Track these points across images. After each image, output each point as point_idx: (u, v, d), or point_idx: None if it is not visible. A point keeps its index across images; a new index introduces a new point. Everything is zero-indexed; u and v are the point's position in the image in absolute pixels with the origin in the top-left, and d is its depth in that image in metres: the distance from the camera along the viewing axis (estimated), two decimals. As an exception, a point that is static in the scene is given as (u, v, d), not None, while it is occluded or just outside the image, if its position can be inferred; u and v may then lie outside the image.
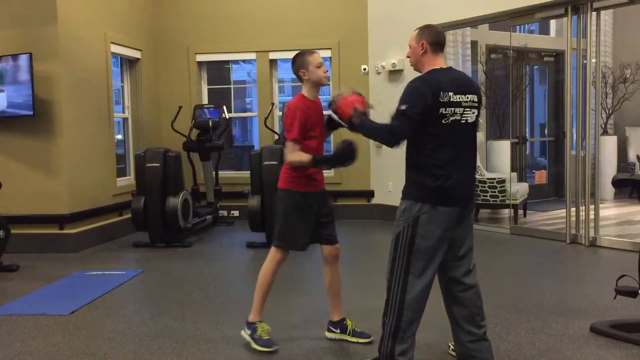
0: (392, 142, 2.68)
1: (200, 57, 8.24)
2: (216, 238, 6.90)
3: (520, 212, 7.45)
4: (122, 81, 7.69)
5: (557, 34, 9.35)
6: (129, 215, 6.51)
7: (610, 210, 7.81)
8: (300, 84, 3.35)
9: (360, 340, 3.38)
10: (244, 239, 6.49)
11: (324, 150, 3.44)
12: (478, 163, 7.51)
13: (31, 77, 5.83)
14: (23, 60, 5.85)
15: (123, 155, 7.75)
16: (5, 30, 6.03)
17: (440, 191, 2.65)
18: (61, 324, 3.88)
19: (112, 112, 6.98)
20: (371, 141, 7.83)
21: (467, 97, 2.69)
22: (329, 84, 3.35)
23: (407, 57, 2.87)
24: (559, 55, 8.86)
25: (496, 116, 8.23)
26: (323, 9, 7.93)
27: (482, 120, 8.51)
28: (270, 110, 7.88)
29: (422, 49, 2.75)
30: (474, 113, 2.74)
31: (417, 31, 2.81)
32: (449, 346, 3.20)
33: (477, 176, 7.20)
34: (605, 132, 8.62)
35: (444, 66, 2.77)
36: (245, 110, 10.42)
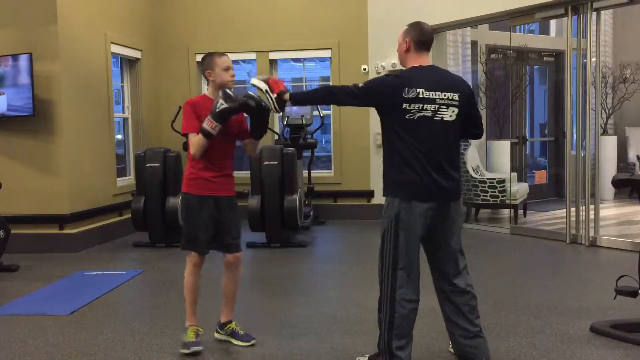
0: (332, 99, 2.87)
1: (200, 57, 8.21)
2: (216, 238, 6.89)
3: (520, 212, 7.45)
4: (122, 81, 7.69)
5: (557, 34, 9.35)
6: (129, 215, 6.51)
7: (610, 210, 7.81)
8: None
9: (241, 343, 3.37)
10: (244, 239, 6.42)
11: (233, 154, 3.40)
12: (478, 163, 7.54)
13: (31, 77, 5.83)
14: (23, 60, 5.85)
15: (123, 155, 7.74)
16: (5, 30, 6.03)
17: (410, 186, 2.70)
18: (61, 324, 3.88)
19: (112, 112, 6.98)
20: (371, 141, 7.84)
21: (445, 95, 2.70)
22: (234, 87, 3.32)
23: (397, 51, 2.92)
24: (559, 55, 8.85)
25: (496, 116, 8.23)
26: (323, 9, 7.93)
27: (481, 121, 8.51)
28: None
29: (406, 46, 2.81)
30: (453, 112, 2.73)
31: (405, 28, 2.86)
32: (449, 344, 3.20)
33: (476, 176, 7.25)
34: (605, 132, 8.62)
35: (426, 64, 2.80)
36: (245, 110, 10.41)
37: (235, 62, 8.74)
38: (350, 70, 7.90)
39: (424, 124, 2.68)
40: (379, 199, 7.91)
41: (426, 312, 3.50)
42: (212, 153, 3.25)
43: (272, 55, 8.12)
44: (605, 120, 8.57)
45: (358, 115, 7.83)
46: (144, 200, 6.25)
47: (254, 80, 3.06)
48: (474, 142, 7.36)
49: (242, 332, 3.44)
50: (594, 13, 5.98)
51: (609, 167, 8.17)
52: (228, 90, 3.17)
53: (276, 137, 7.71)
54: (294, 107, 7.45)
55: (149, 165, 6.24)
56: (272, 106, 3.04)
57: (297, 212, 6.08)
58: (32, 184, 6.06)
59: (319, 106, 7.58)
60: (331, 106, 8.04)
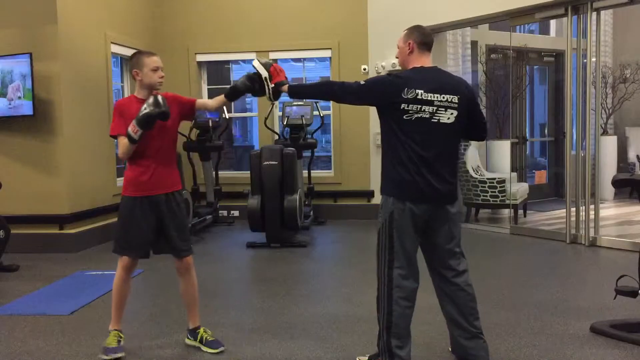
0: (330, 95, 2.90)
1: (200, 57, 8.24)
2: (216, 238, 6.91)
3: (520, 212, 7.45)
4: (122, 81, 7.69)
5: (557, 34, 9.35)
6: (129, 215, 6.50)
7: (610, 210, 7.81)
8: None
9: (210, 350, 3.30)
10: (244, 239, 6.49)
11: (172, 151, 3.32)
12: (478, 163, 7.54)
13: (31, 77, 5.83)
14: (23, 60, 5.85)
15: (123, 155, 7.73)
16: (5, 30, 6.03)
17: (404, 187, 2.71)
18: (61, 324, 3.88)
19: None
20: (371, 141, 7.84)
21: (443, 97, 2.70)
22: (160, 89, 3.27)
23: (396, 57, 2.93)
24: (559, 55, 8.85)
25: (496, 116, 8.23)
26: (323, 9, 7.93)
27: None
28: (270, 110, 7.88)
29: (409, 49, 2.82)
30: (452, 114, 2.72)
31: (405, 31, 2.86)
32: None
33: (476, 176, 7.25)
34: (605, 132, 8.62)
35: (428, 65, 2.80)
36: (245, 110, 10.41)
37: (235, 62, 8.81)
38: (350, 70, 7.91)
39: (421, 125, 2.69)
40: (378, 198, 7.85)
41: (427, 311, 3.51)
42: (145, 153, 3.17)
43: (272, 55, 8.10)
44: (605, 120, 8.57)
45: (358, 115, 7.84)
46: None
47: (256, 63, 3.06)
48: (474, 142, 7.37)
49: (210, 339, 3.36)
50: (594, 13, 5.98)
51: (609, 167, 8.17)
52: (159, 97, 3.07)
53: (276, 137, 7.71)
54: (294, 108, 7.45)
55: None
56: (268, 95, 3.05)
57: (297, 212, 6.08)
58: (32, 184, 6.06)
59: (318, 106, 7.59)
60: (331, 106, 8.05)
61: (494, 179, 7.12)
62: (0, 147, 6.11)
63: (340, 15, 7.90)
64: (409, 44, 2.81)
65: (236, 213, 8.06)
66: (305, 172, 7.66)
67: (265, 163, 6.08)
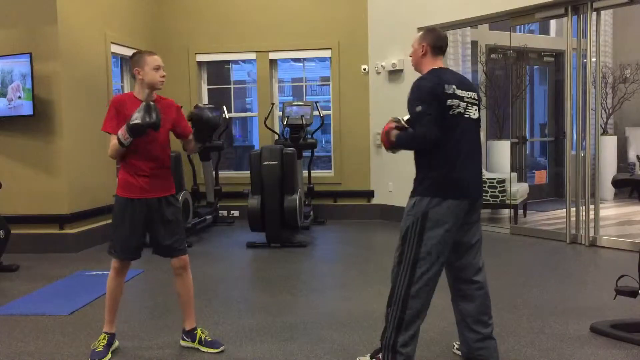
0: (428, 145, 2.67)
1: (200, 57, 8.24)
2: (216, 238, 6.91)
3: (520, 212, 7.45)
4: (122, 81, 7.69)
5: (557, 34, 9.35)
6: (129, 215, 6.50)
7: (610, 210, 7.81)
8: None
9: (210, 350, 3.30)
10: (244, 239, 6.49)
11: (167, 153, 3.29)
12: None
13: (31, 77, 5.83)
14: (23, 60, 5.85)
15: (123, 155, 7.73)
16: (5, 30, 6.03)
17: (449, 183, 2.68)
18: (61, 324, 3.88)
19: (112, 112, 6.97)
20: (371, 141, 7.84)
21: (469, 94, 2.78)
22: (161, 89, 3.26)
23: (410, 56, 2.96)
24: (559, 55, 8.86)
25: (496, 116, 8.23)
26: (323, 9, 7.93)
27: (481, 120, 8.53)
28: (270, 110, 7.89)
29: (423, 51, 2.85)
30: (476, 110, 2.81)
31: (420, 33, 2.90)
32: (454, 345, 3.20)
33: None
34: (605, 132, 8.62)
35: (442, 67, 2.86)
36: (245, 110, 10.41)
37: (235, 62, 8.81)
38: (350, 70, 7.91)
39: (460, 121, 2.72)
40: (379, 198, 7.91)
41: (428, 310, 3.50)
42: (139, 154, 3.15)
43: (272, 55, 8.12)
44: (605, 120, 8.57)
45: (358, 115, 7.84)
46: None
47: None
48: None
49: (210, 339, 3.36)
50: (594, 13, 5.98)
51: (609, 167, 8.17)
52: (151, 104, 3.05)
53: (276, 137, 7.71)
54: (294, 108, 7.45)
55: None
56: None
57: (297, 212, 6.08)
58: (32, 184, 6.06)
59: (318, 106, 7.59)
60: (331, 106, 8.05)
61: (494, 179, 7.12)
62: (0, 147, 6.11)
63: (340, 15, 7.90)
64: (423, 46, 2.84)
65: (236, 213, 8.06)
66: (305, 172, 7.66)
67: (265, 163, 6.08)
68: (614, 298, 3.58)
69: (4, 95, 5.93)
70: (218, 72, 9.07)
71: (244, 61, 8.92)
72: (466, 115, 2.75)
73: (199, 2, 8.13)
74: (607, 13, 8.47)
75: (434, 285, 2.74)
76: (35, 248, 6.00)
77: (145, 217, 3.22)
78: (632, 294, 3.44)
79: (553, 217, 7.52)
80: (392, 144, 2.84)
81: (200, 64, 8.31)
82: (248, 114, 10.09)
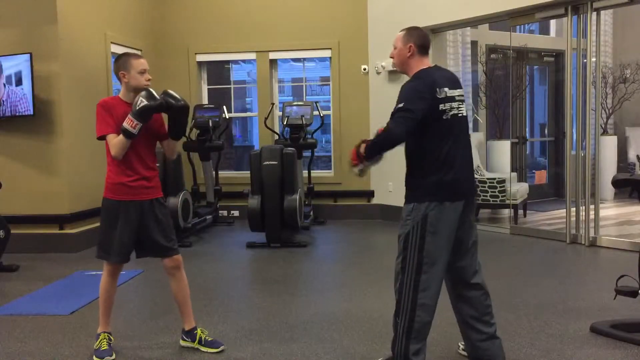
0: (397, 142, 2.66)
1: (200, 57, 8.24)
2: (216, 238, 6.90)
3: (520, 212, 7.45)
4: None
5: (557, 34, 9.35)
6: (129, 215, 6.50)
7: (610, 210, 7.81)
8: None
9: (210, 350, 3.29)
10: (244, 239, 6.49)
11: (154, 156, 3.29)
12: (478, 163, 7.54)
13: (31, 77, 5.83)
14: (23, 60, 5.85)
15: (123, 155, 7.73)
16: (5, 30, 6.03)
17: (446, 187, 2.67)
18: (61, 324, 3.88)
19: (112, 112, 6.97)
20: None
21: (457, 92, 2.76)
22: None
23: (391, 57, 2.87)
24: (559, 55, 8.85)
25: (496, 116, 8.23)
26: (323, 9, 7.93)
27: (482, 120, 8.54)
28: (270, 110, 7.89)
29: (410, 52, 2.77)
30: (464, 106, 2.79)
31: (403, 32, 2.81)
32: (459, 346, 3.20)
33: (477, 176, 7.25)
34: (605, 132, 8.62)
35: (431, 65, 2.79)
36: (245, 110, 10.41)
37: (235, 62, 8.81)
38: (350, 70, 7.91)
39: (455, 122, 2.70)
40: (378, 199, 7.91)
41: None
42: (131, 156, 3.14)
43: (272, 55, 8.12)
44: (605, 120, 8.57)
45: (358, 115, 7.84)
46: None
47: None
48: (473, 142, 7.36)
49: (210, 339, 3.36)
50: (594, 13, 5.98)
51: (609, 167, 8.17)
52: (150, 89, 3.09)
53: (276, 137, 7.71)
54: (294, 108, 7.46)
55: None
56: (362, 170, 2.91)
57: (297, 212, 6.08)
58: (32, 184, 6.06)
59: (319, 106, 7.60)
60: (331, 106, 8.05)
61: (494, 179, 7.12)
62: (0, 147, 6.11)
63: (340, 15, 7.89)
64: (410, 47, 2.75)
65: (236, 213, 8.06)
66: (305, 172, 7.66)
67: (265, 163, 6.08)
68: (614, 298, 3.58)
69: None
70: (218, 72, 9.07)
71: (244, 61, 8.92)
72: (460, 115, 2.73)
73: (199, 2, 8.12)
74: (607, 13, 8.48)
75: (439, 288, 2.74)
76: (35, 248, 6.00)
77: (139, 219, 3.21)
78: (632, 294, 3.44)
79: (553, 217, 7.52)
80: (364, 155, 2.77)
81: (200, 64, 8.31)
82: (248, 114, 10.09)
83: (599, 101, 7.63)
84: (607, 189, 7.88)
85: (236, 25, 8.06)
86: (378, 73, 7.72)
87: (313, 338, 3.50)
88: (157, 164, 3.37)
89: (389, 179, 7.47)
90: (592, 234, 5.98)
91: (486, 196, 7.14)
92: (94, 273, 5.23)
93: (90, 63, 6.57)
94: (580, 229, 6.08)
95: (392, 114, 2.64)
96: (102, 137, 3.15)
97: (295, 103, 7.59)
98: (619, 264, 5.08)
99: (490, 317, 2.88)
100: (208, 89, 8.49)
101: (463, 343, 3.07)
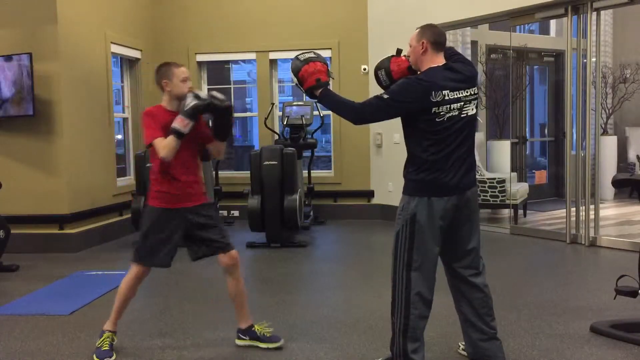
0: (355, 120, 2.78)
1: (200, 57, 8.24)
2: (216, 238, 6.89)
3: (520, 212, 7.45)
4: (122, 81, 7.69)
5: (557, 34, 9.35)
6: (129, 215, 6.51)
7: (610, 210, 7.81)
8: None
9: (271, 345, 3.31)
10: (244, 239, 6.49)
11: (197, 163, 3.30)
12: (478, 163, 7.54)
13: (31, 77, 5.83)
14: (23, 60, 5.85)
15: (123, 155, 7.74)
16: (5, 30, 6.03)
17: (435, 184, 2.67)
18: (61, 324, 3.88)
19: (112, 112, 6.98)
20: (371, 141, 7.84)
21: (467, 92, 2.71)
22: None
23: (407, 56, 2.86)
24: (559, 55, 8.85)
25: (496, 116, 8.23)
26: (323, 9, 7.93)
27: (482, 120, 8.53)
28: (270, 110, 7.88)
29: (423, 48, 2.74)
30: (474, 104, 2.75)
31: (418, 30, 2.79)
32: (459, 345, 3.20)
33: (477, 176, 7.25)
34: (605, 132, 8.61)
35: (442, 63, 2.74)
36: (245, 110, 10.42)
37: (235, 62, 8.81)
38: (350, 70, 7.91)
39: (453, 123, 2.67)
40: (378, 199, 7.91)
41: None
42: (174, 164, 3.15)
43: (272, 55, 8.12)
44: (605, 120, 8.57)
45: (358, 115, 7.82)
46: (144, 200, 6.24)
47: (292, 65, 2.94)
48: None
49: (268, 334, 3.37)
50: (594, 13, 5.98)
51: (609, 167, 8.16)
52: (196, 91, 3.13)
53: (276, 137, 7.71)
54: (294, 108, 7.45)
55: (149, 165, 6.21)
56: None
57: (297, 212, 6.08)
58: (32, 184, 6.06)
59: (318, 106, 7.59)
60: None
61: (494, 179, 7.12)
62: (0, 147, 6.11)
63: (340, 15, 7.90)
64: (423, 43, 2.73)
65: (236, 213, 8.06)
66: (305, 172, 7.66)
67: (265, 163, 6.08)
68: (614, 298, 3.58)
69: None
70: (218, 72, 9.07)
71: (244, 61, 8.92)
72: (462, 115, 2.69)
73: (199, 2, 8.12)
74: (607, 13, 8.47)
75: (432, 283, 2.74)
76: (35, 248, 6.00)
77: (183, 226, 3.23)
78: (632, 294, 3.44)
79: (553, 217, 7.52)
80: (316, 96, 2.85)
81: (200, 64, 8.30)
82: (248, 114, 10.09)
83: (599, 101, 7.63)
84: (607, 189, 7.87)
85: (236, 25, 8.06)
86: (378, 73, 7.71)
87: (313, 338, 3.50)
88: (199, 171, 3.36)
89: (389, 179, 7.47)
90: (592, 234, 5.98)
91: (486, 196, 7.14)
92: (93, 273, 5.24)
93: (90, 63, 6.57)
94: (580, 229, 6.08)
95: (374, 97, 2.69)
96: (151, 145, 3.15)
97: (295, 103, 7.59)
98: (619, 264, 5.07)
99: (491, 318, 2.88)
100: (208, 89, 8.49)
101: (463, 343, 3.07)
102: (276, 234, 6.17)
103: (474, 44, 8.30)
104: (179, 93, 3.18)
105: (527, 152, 9.02)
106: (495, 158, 8.02)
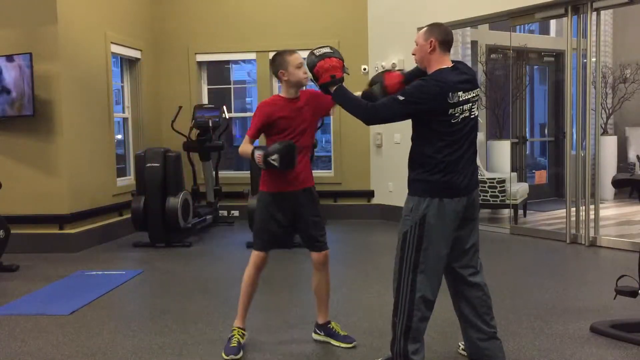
0: (368, 121, 2.78)
1: (200, 57, 8.23)
2: (216, 238, 6.90)
3: (520, 212, 7.45)
4: (122, 81, 7.69)
5: (557, 34, 9.35)
6: (129, 215, 6.51)
7: (610, 210, 7.81)
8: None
9: (343, 345, 3.32)
10: (244, 239, 6.48)
11: (312, 150, 3.36)
12: (478, 163, 7.55)
13: (31, 77, 5.83)
14: (23, 60, 5.85)
15: (123, 155, 7.75)
16: (5, 30, 6.03)
17: (447, 185, 2.66)
18: (61, 324, 3.88)
19: (112, 112, 6.98)
20: (371, 141, 7.84)
21: (474, 93, 2.72)
22: (307, 84, 3.30)
23: (413, 54, 2.84)
24: (559, 55, 8.86)
25: (496, 116, 8.23)
26: (323, 9, 7.93)
27: (482, 120, 8.54)
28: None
29: (431, 47, 2.72)
30: (476, 106, 2.76)
31: (425, 28, 2.77)
32: (459, 346, 3.20)
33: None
34: (605, 132, 8.62)
35: (450, 65, 2.74)
36: (245, 110, 10.40)
37: (235, 62, 8.80)
38: (350, 70, 7.86)
39: (465, 124, 2.68)
40: (379, 199, 7.91)
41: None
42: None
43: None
44: (605, 120, 8.57)
45: (358, 115, 7.82)
46: (144, 200, 6.25)
47: (309, 60, 2.96)
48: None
49: (342, 334, 3.37)
50: (594, 13, 5.98)
51: (609, 167, 8.17)
52: (294, 146, 3.13)
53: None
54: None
55: (149, 165, 6.24)
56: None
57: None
58: (32, 184, 6.06)
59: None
60: (331, 106, 8.04)
61: (494, 179, 7.12)
62: (0, 147, 6.11)
63: (340, 14, 7.89)
64: (431, 42, 2.71)
65: (236, 213, 8.05)
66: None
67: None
68: (614, 298, 3.58)
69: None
70: (218, 72, 9.07)
71: (244, 61, 8.92)
72: (471, 116, 2.71)
73: (199, 2, 8.12)
74: (607, 13, 8.47)
75: (438, 286, 2.74)
76: (35, 248, 6.00)
77: (291, 209, 3.29)
78: (632, 294, 3.44)
79: (553, 217, 7.52)
80: (329, 92, 2.88)
81: (200, 64, 8.30)
82: (248, 114, 10.07)
83: (599, 101, 7.63)
84: (607, 189, 7.87)
85: (236, 25, 8.05)
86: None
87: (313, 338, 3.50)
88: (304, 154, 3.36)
89: (389, 179, 7.47)
90: (592, 234, 5.98)
91: (486, 196, 7.14)
92: (93, 273, 5.24)
93: (90, 63, 6.57)
94: (580, 229, 6.08)
95: (390, 98, 2.68)
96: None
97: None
98: (619, 264, 5.08)
99: (490, 317, 2.88)
100: (208, 89, 8.48)
101: (463, 343, 3.07)
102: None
103: (474, 44, 8.30)
104: (296, 80, 3.22)
105: (527, 152, 9.02)
106: (495, 158, 8.02)
